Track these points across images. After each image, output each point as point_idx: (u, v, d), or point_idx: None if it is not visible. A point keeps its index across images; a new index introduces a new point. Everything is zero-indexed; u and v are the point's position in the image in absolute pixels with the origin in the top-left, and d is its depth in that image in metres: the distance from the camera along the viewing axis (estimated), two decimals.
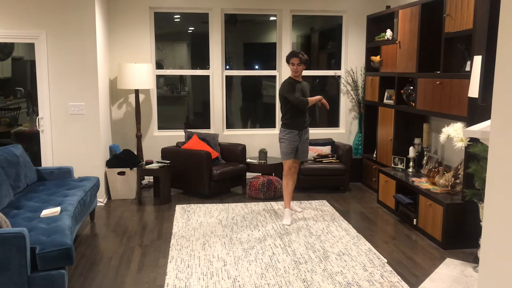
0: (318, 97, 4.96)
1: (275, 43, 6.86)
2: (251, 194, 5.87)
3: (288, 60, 4.87)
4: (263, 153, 6.23)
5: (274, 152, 6.77)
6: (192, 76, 7.01)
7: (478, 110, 3.94)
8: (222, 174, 5.75)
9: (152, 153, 6.55)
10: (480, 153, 3.63)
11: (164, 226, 4.83)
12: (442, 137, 4.21)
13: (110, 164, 5.72)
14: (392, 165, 5.52)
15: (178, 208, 5.42)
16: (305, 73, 6.97)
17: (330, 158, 6.19)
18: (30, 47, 5.54)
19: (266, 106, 7.19)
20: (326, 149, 6.39)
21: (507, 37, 1.61)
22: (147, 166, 5.66)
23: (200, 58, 6.87)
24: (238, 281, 3.55)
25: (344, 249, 4.20)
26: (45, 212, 3.71)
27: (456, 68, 4.52)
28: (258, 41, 7.38)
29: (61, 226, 3.41)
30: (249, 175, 6.33)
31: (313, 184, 6.11)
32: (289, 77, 4.95)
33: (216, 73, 6.66)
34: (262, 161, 6.19)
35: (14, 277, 2.92)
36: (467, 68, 4.29)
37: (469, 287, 3.48)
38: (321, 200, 5.74)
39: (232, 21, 6.84)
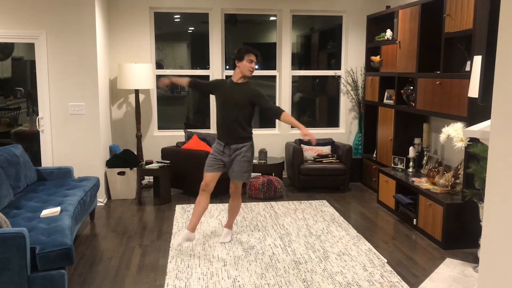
0: None
1: (275, 43, 6.86)
2: (251, 194, 5.87)
3: (242, 56, 4.02)
4: (263, 153, 6.22)
5: (274, 152, 6.78)
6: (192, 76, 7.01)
7: (478, 110, 3.94)
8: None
9: (152, 153, 6.55)
10: (480, 153, 3.63)
11: (164, 226, 4.83)
12: (442, 137, 4.21)
13: (110, 164, 5.72)
14: (392, 165, 5.52)
15: (178, 208, 5.42)
16: (306, 73, 6.99)
17: (330, 158, 6.19)
18: (30, 47, 5.54)
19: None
20: (326, 149, 6.38)
21: (507, 37, 1.61)
22: (147, 166, 5.66)
23: (200, 58, 6.87)
24: (238, 281, 3.55)
25: (344, 249, 4.20)
26: (45, 212, 3.71)
27: (456, 68, 4.52)
28: (258, 41, 7.37)
29: (61, 226, 3.41)
30: None
31: (313, 184, 6.10)
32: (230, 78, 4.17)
33: (216, 73, 6.65)
34: (262, 161, 6.18)
35: (14, 277, 2.92)
36: (467, 68, 4.29)
37: (469, 287, 3.48)
38: (321, 200, 5.74)
39: (232, 21, 6.84)
